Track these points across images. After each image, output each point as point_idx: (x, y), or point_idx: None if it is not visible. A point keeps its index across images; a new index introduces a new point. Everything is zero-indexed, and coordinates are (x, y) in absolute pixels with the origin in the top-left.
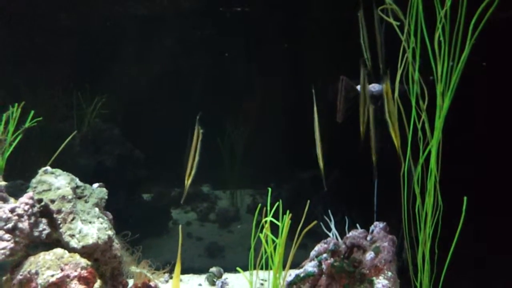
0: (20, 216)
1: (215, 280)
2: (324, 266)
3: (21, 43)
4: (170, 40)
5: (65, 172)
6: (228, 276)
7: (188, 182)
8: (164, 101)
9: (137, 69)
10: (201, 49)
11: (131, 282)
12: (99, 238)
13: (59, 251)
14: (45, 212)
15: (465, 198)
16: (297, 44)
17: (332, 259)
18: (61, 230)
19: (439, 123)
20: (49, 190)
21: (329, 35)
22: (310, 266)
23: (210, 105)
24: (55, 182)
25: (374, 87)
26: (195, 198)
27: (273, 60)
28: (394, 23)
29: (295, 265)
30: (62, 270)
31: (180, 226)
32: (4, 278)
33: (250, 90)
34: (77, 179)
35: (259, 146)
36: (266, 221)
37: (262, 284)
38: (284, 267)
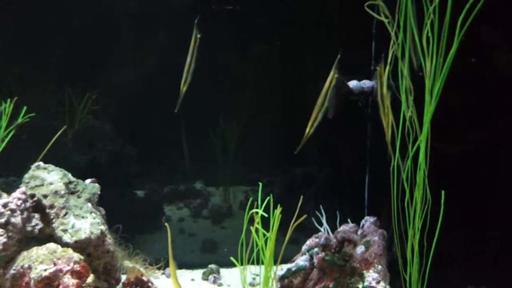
0: (12, 211)
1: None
2: (315, 260)
3: (12, 39)
4: (162, 35)
5: (57, 168)
6: (221, 271)
7: (183, 88)
8: (156, 97)
9: (129, 65)
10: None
11: (124, 277)
12: (91, 233)
13: (52, 245)
14: (38, 207)
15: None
16: (290, 39)
17: (323, 253)
18: (54, 225)
19: (427, 118)
20: (42, 185)
21: (320, 31)
22: (301, 260)
23: (202, 101)
24: (48, 177)
25: (364, 83)
26: (188, 195)
27: (266, 55)
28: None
29: (288, 259)
30: (55, 264)
31: (167, 224)
32: None
33: (243, 86)
34: (69, 175)
35: (252, 142)
36: (256, 214)
37: (254, 279)
38: (276, 262)
